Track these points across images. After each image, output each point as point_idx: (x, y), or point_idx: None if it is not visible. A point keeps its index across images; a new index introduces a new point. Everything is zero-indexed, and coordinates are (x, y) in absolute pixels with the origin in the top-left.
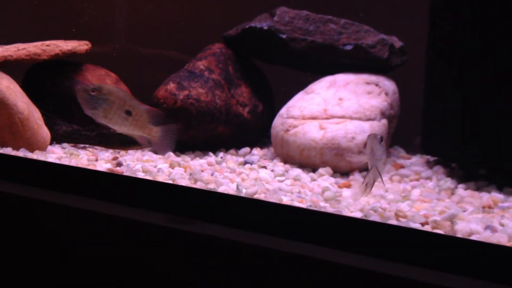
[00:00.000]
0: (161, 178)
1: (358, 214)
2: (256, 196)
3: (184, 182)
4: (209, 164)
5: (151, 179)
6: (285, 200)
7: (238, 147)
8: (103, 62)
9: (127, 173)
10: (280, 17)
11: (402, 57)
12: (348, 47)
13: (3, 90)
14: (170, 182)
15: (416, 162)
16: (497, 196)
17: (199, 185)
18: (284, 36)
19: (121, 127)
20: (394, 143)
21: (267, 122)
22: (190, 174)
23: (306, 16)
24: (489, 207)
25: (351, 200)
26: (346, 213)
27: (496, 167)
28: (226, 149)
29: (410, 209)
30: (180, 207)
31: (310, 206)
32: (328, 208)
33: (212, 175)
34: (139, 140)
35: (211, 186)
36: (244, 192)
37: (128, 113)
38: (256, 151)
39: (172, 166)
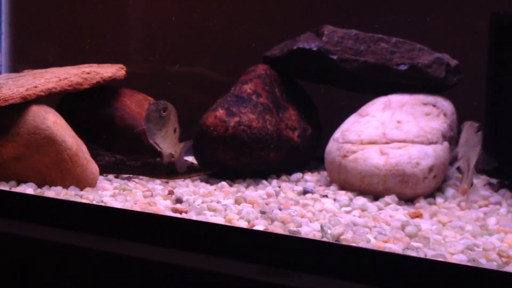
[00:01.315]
0: (233, 218)
1: (462, 258)
2: (343, 237)
3: (261, 223)
4: (269, 195)
5: (235, 226)
6: (371, 238)
7: (287, 172)
8: (133, 83)
9: (192, 212)
10: (329, 37)
11: (457, 76)
12: (403, 67)
13: (50, 127)
14: (246, 224)
15: (478, 185)
16: None
17: (276, 225)
18: (335, 57)
19: (169, 146)
20: None
21: (316, 145)
22: (261, 212)
23: (355, 36)
24: None
25: (437, 236)
26: (448, 256)
27: None
28: (277, 175)
29: (501, 244)
30: (274, 257)
31: (406, 249)
32: (423, 249)
33: (280, 210)
34: (166, 158)
35: (292, 228)
36: (329, 233)
37: (174, 131)
38: (308, 176)
39: (238, 202)
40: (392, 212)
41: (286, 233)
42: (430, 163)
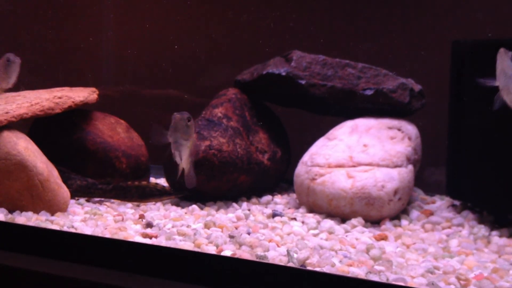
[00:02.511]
0: (203, 243)
1: (422, 281)
2: (308, 261)
3: (230, 248)
4: (238, 219)
5: (203, 253)
6: (336, 262)
7: (258, 194)
8: (106, 106)
9: (162, 237)
10: (298, 62)
11: (421, 100)
12: (369, 92)
13: (21, 152)
14: (214, 249)
15: (441, 207)
16: None
17: (244, 250)
18: (303, 82)
19: (186, 160)
20: None
21: (286, 167)
22: (230, 236)
23: (323, 61)
24: None
25: (400, 259)
26: (409, 279)
27: None
28: (247, 198)
29: (461, 266)
30: (240, 283)
31: (369, 273)
32: (386, 272)
33: (248, 234)
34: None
35: (259, 253)
36: (296, 258)
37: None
38: (278, 198)
39: (207, 226)
40: (358, 234)
41: (254, 258)
42: (395, 186)
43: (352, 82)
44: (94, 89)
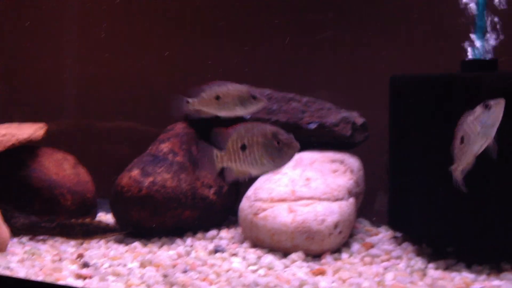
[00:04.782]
0: (134, 283)
1: None
2: None
3: None
4: (179, 256)
5: None
6: None
7: (205, 228)
8: (58, 141)
9: (96, 278)
10: None
11: (364, 133)
12: (312, 126)
13: None
14: None
15: (384, 239)
16: (467, 276)
17: None
18: (248, 117)
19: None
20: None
21: (234, 200)
22: (163, 276)
23: (269, 95)
24: None
25: None
26: None
27: (465, 245)
28: (194, 233)
29: None
30: None
31: None
32: None
33: (185, 272)
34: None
35: None
36: None
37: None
38: (224, 233)
39: (143, 265)
40: (297, 269)
41: None
42: (335, 220)
43: (296, 116)
44: (42, 125)
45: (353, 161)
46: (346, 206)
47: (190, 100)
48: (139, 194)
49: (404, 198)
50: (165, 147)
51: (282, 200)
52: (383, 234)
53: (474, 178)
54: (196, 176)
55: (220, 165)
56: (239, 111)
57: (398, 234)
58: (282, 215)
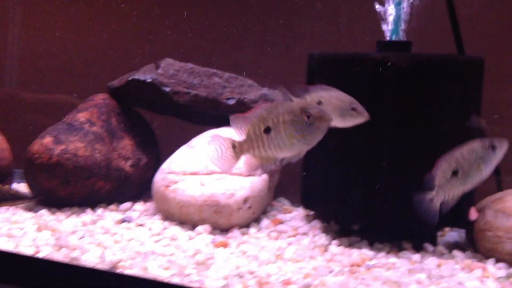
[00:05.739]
0: (23, 245)
1: (220, 283)
2: (121, 264)
3: (47, 250)
4: (84, 224)
5: (13, 253)
6: (153, 266)
7: (120, 201)
8: None
9: None
10: (165, 69)
11: None
12: (231, 102)
13: None
14: (34, 250)
15: (296, 216)
16: (366, 253)
17: (62, 253)
18: (167, 89)
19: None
20: (280, 195)
21: (152, 175)
22: (57, 239)
23: (191, 69)
24: (357, 265)
25: (222, 264)
26: (210, 281)
27: (369, 224)
28: (108, 204)
29: (279, 271)
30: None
31: (173, 276)
32: (193, 276)
33: (81, 238)
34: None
35: (75, 254)
36: (108, 261)
37: None
38: (139, 205)
39: (40, 228)
40: (200, 241)
41: (66, 259)
42: (245, 195)
43: (217, 91)
44: None
45: None
46: (258, 182)
47: (294, 99)
48: (49, 161)
49: (314, 177)
50: (82, 116)
51: (194, 173)
52: (297, 213)
53: (376, 160)
54: (113, 147)
55: (240, 154)
56: (336, 123)
57: (311, 213)
58: (191, 188)
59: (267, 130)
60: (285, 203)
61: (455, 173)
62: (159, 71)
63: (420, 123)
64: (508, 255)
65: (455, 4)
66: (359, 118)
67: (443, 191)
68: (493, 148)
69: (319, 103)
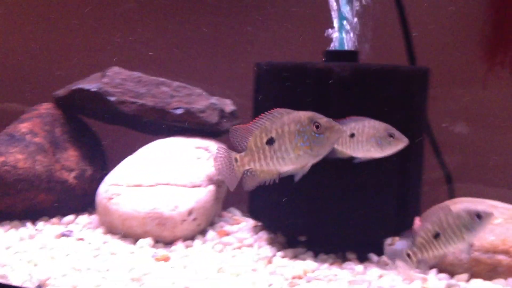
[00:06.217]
0: None
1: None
2: (50, 282)
3: None
4: (21, 239)
5: None
6: (84, 283)
7: (64, 214)
8: None
9: None
10: (111, 78)
11: (233, 121)
12: (179, 111)
13: None
14: None
15: (244, 228)
16: (310, 264)
17: None
18: (113, 99)
19: None
20: (232, 205)
21: (98, 186)
22: None
23: (138, 78)
24: (299, 277)
25: (160, 278)
26: None
27: (313, 234)
28: (50, 217)
29: (216, 287)
30: None
31: None
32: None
33: (16, 253)
34: None
35: (4, 271)
36: (37, 282)
37: None
38: (83, 218)
39: None
40: (141, 256)
41: None
42: (190, 207)
43: (164, 100)
44: None
45: None
46: (204, 193)
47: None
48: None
49: (261, 188)
50: (24, 127)
51: (138, 185)
52: (246, 224)
53: (320, 170)
54: (56, 159)
55: (241, 169)
56: (375, 153)
57: (260, 224)
58: (134, 201)
59: (270, 142)
60: (236, 213)
61: (437, 235)
62: (105, 80)
63: None
64: (449, 265)
65: (406, 15)
66: (398, 144)
67: (421, 251)
68: (478, 217)
69: (352, 135)
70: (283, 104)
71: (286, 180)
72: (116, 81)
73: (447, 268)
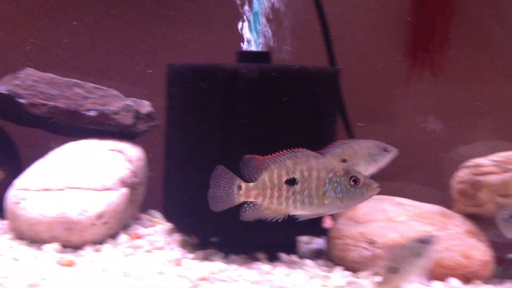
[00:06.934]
0: None
1: None
2: None
3: None
4: None
5: None
6: None
7: None
8: None
9: None
10: (22, 80)
11: (149, 123)
12: (92, 113)
13: None
14: None
15: (160, 230)
16: (218, 266)
17: None
18: (23, 101)
19: None
20: (151, 207)
21: None
22: None
23: (50, 80)
24: (204, 279)
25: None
26: None
27: (225, 235)
28: None
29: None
30: None
31: None
32: None
33: None
34: None
35: None
36: None
37: None
38: None
39: None
40: (45, 261)
41: None
42: (99, 210)
43: (78, 102)
44: None
45: (133, 151)
46: (116, 196)
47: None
48: None
49: (174, 189)
50: None
51: (47, 189)
52: (163, 227)
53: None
54: None
55: (243, 199)
56: (372, 169)
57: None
58: (42, 205)
59: (291, 182)
60: (156, 215)
61: (394, 269)
62: (16, 81)
63: (270, 133)
64: (353, 263)
65: (326, 17)
66: (391, 155)
67: (387, 282)
68: (424, 242)
69: (344, 160)
70: (193, 105)
71: (197, 181)
72: (27, 83)
73: (351, 266)
